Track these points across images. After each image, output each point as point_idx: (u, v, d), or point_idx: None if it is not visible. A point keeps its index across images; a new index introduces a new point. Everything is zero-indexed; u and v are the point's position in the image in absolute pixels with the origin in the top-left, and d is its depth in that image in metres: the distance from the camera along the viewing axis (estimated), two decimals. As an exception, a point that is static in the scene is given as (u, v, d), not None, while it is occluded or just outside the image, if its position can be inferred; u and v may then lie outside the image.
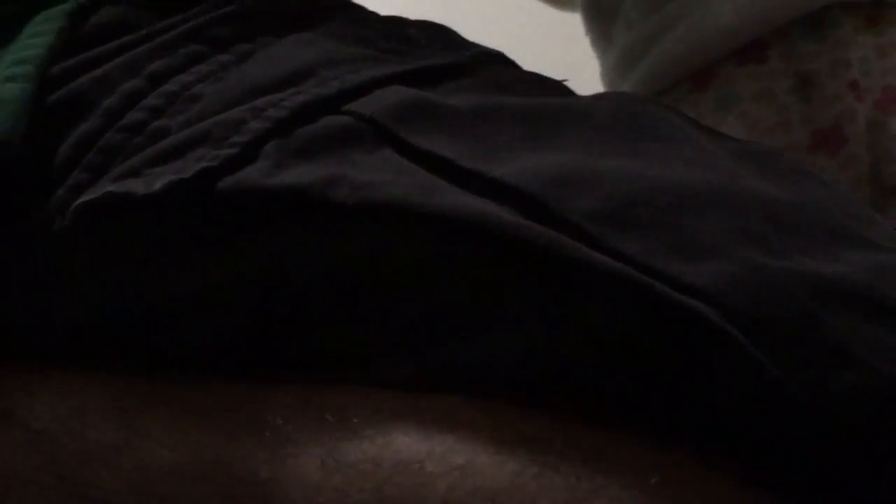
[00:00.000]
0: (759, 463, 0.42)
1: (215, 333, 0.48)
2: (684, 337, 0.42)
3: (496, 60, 0.58)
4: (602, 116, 0.50)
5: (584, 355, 0.43)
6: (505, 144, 0.48)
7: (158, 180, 0.47)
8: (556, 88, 0.57)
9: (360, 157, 0.48)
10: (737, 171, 0.48)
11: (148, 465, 0.47)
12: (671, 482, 0.41)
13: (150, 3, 0.55)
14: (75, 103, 0.51)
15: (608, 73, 1.08)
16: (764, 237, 0.44)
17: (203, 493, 0.45)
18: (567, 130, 0.49)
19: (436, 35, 0.57)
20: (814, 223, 0.46)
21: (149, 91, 0.51)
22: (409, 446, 0.43)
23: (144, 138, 0.50)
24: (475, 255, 0.45)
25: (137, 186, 0.47)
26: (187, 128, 0.49)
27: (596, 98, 0.55)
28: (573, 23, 1.15)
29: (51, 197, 0.49)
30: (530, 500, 0.41)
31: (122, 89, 0.51)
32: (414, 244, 0.46)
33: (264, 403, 0.47)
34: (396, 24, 0.57)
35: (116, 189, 0.47)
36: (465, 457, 0.43)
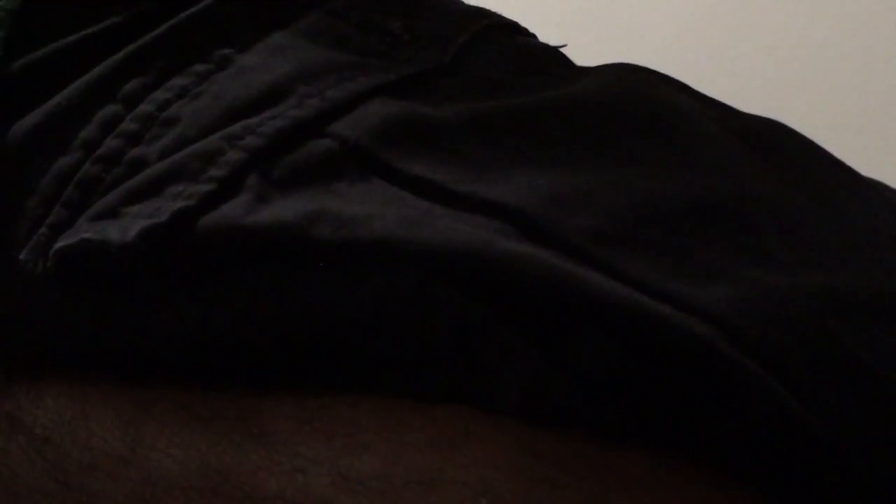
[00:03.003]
0: (776, 485, 0.41)
1: (202, 366, 0.47)
2: (696, 366, 0.41)
3: (487, 38, 0.55)
4: (602, 115, 0.48)
5: (589, 385, 0.42)
6: (499, 160, 0.46)
7: (134, 225, 0.45)
8: (552, 66, 0.54)
9: (344, 187, 0.46)
10: (742, 171, 0.47)
11: (155, 478, 0.46)
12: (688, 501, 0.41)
13: None
14: (51, 135, 0.49)
15: None
16: (773, 252, 0.43)
17: (211, 507, 0.45)
18: (565, 138, 0.47)
19: (420, 24, 0.53)
20: (824, 224, 0.45)
21: (124, 114, 0.49)
22: (419, 463, 0.43)
23: (122, 169, 0.48)
24: (467, 287, 0.43)
25: (113, 234, 0.46)
26: (165, 157, 0.48)
27: (593, 81, 0.52)
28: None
29: (33, 235, 0.48)
30: (543, 517, 0.41)
31: (98, 117, 0.49)
32: (402, 279, 0.44)
33: (271, 415, 0.46)
34: (377, 13, 0.54)
35: (92, 237, 0.46)
36: (477, 473, 0.42)
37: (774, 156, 0.49)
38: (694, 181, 0.45)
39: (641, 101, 0.50)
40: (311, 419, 0.45)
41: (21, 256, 0.48)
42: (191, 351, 0.48)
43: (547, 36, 0.58)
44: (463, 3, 0.58)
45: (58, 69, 0.51)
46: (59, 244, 0.47)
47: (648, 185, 0.45)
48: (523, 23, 0.57)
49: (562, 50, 0.57)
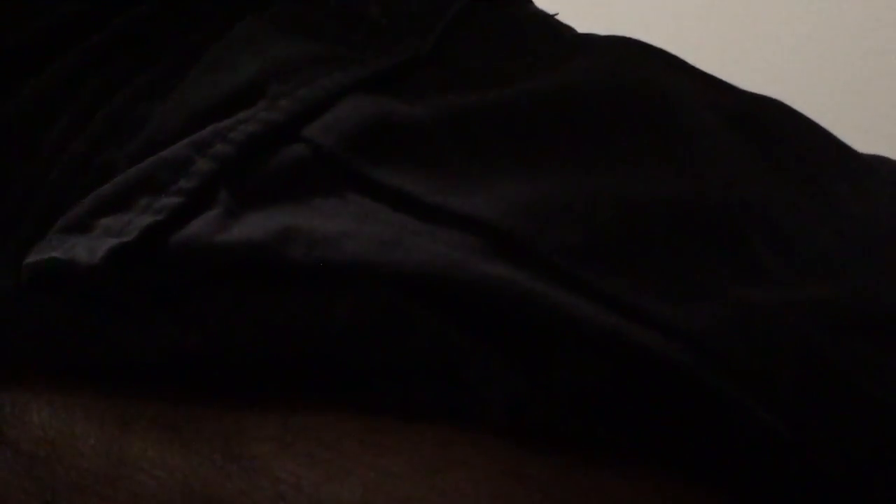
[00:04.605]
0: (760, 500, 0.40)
1: (181, 381, 0.47)
2: (677, 391, 0.39)
3: (471, 14, 0.51)
4: (587, 109, 0.46)
5: (571, 405, 0.41)
6: (477, 165, 0.44)
7: (102, 245, 0.44)
8: (540, 43, 0.52)
9: (317, 200, 0.44)
10: (735, 169, 0.44)
11: (141, 499, 0.46)
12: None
13: None
14: (18, 138, 0.48)
15: None
16: (763, 264, 0.41)
17: (195, 531, 0.44)
18: (548, 136, 0.45)
19: (399, 6, 0.50)
20: (821, 226, 0.43)
21: (90, 115, 0.48)
22: (401, 491, 0.42)
23: (91, 175, 0.47)
24: (443, 308, 0.42)
25: (81, 253, 0.44)
26: (134, 161, 0.46)
27: (582, 65, 0.49)
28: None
29: (4, 245, 0.47)
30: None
31: (64, 119, 0.48)
32: (377, 300, 0.43)
33: (253, 436, 0.45)
34: None
35: (60, 256, 0.45)
36: (460, 500, 0.41)
37: (770, 143, 0.47)
38: (684, 185, 0.43)
39: (631, 91, 0.47)
40: (292, 442, 0.44)
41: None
42: (169, 366, 0.47)
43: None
44: None
45: (15, 66, 0.49)
46: (30, 260, 0.46)
47: (634, 191, 0.43)
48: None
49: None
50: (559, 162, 0.44)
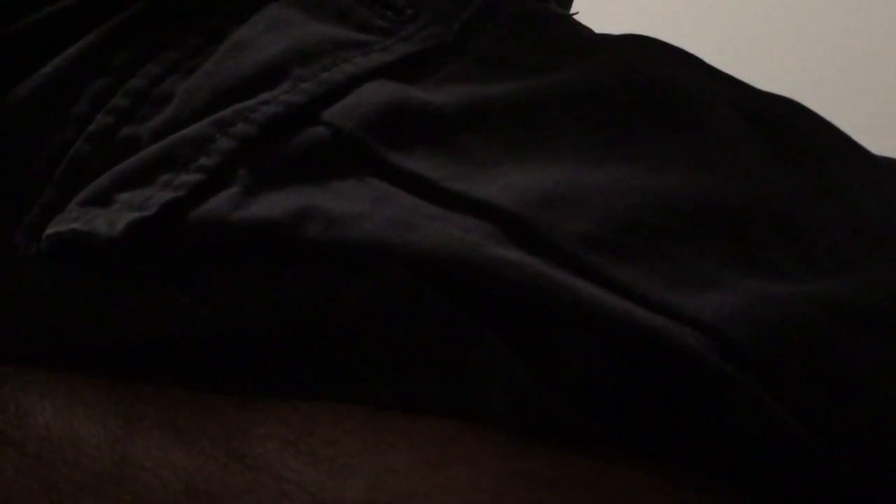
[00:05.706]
0: (767, 496, 0.40)
1: (189, 363, 0.47)
2: (685, 377, 0.39)
3: (494, 6, 0.52)
4: (606, 103, 0.46)
5: (577, 395, 0.41)
6: (495, 153, 0.44)
7: (122, 218, 0.45)
8: (560, 38, 0.52)
9: (335, 182, 0.44)
10: (749, 166, 0.44)
11: (145, 499, 0.46)
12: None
13: None
14: (44, 108, 0.48)
15: None
16: (774, 258, 0.41)
17: (199, 530, 0.44)
18: (566, 128, 0.45)
19: None
20: (833, 224, 0.43)
21: (116, 88, 0.48)
22: (403, 488, 0.42)
23: (114, 149, 0.47)
24: (454, 293, 0.42)
25: (101, 226, 0.45)
26: (157, 137, 0.47)
27: (601, 60, 0.49)
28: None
29: (26, 212, 0.48)
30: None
31: (90, 91, 0.48)
32: (388, 282, 0.43)
33: (255, 434, 0.45)
34: None
35: (81, 227, 0.45)
36: (463, 497, 0.41)
37: (786, 143, 0.47)
38: (697, 179, 0.43)
39: (649, 87, 0.47)
40: (295, 440, 0.44)
41: (15, 238, 0.48)
42: (178, 342, 0.47)
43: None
44: None
45: (46, 37, 0.50)
46: (51, 230, 0.47)
47: (648, 184, 0.43)
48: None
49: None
50: (575, 153, 0.45)
